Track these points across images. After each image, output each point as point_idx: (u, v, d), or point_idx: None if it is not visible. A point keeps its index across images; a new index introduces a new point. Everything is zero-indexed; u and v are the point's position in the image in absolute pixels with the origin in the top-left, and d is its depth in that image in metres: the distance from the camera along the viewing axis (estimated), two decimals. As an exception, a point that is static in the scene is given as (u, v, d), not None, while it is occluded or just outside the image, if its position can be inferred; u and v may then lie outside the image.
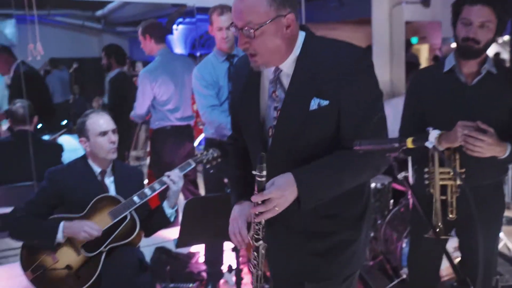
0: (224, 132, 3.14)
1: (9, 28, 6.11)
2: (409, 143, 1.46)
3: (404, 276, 3.25)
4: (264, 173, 1.49)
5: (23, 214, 2.54)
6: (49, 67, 6.98)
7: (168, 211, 2.65)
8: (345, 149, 1.60)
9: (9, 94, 4.70)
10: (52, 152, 3.75)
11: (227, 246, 3.43)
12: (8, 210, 3.35)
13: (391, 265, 3.47)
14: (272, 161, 1.65)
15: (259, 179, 1.49)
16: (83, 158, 2.70)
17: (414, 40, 7.99)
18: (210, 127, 3.24)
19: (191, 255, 3.66)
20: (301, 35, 1.64)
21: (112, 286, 2.40)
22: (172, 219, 2.68)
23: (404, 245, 3.26)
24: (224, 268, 3.47)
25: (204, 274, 3.51)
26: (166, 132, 3.97)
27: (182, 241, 2.60)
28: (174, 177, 2.61)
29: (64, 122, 4.99)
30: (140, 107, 3.94)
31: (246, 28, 1.54)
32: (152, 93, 3.87)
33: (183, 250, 3.58)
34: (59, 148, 3.83)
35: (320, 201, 1.57)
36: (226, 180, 3.33)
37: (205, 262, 3.49)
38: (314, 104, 1.57)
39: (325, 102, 1.56)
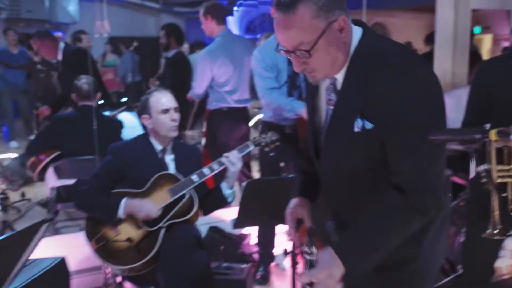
0: (283, 113, 3.11)
1: (73, 5, 6.29)
2: (493, 135, 1.38)
3: (461, 271, 3.15)
4: (314, 250, 1.41)
5: (88, 187, 2.61)
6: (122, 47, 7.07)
7: (226, 191, 2.67)
8: (392, 193, 1.40)
9: (61, 75, 4.80)
10: (113, 128, 3.86)
11: (280, 229, 3.43)
12: (71, 181, 3.49)
13: (447, 260, 3.37)
14: (323, 173, 1.59)
15: (307, 257, 1.42)
16: (145, 135, 2.74)
17: (476, 29, 7.67)
18: (269, 109, 3.22)
19: (243, 236, 3.68)
20: (357, 32, 1.44)
21: (170, 260, 2.44)
22: (230, 200, 2.70)
23: (462, 240, 3.16)
24: (276, 250, 3.49)
25: (255, 256, 3.53)
26: (222, 113, 3.99)
27: (240, 222, 2.62)
28: (233, 158, 2.62)
29: (124, 99, 5.10)
30: (198, 87, 3.98)
31: (298, 51, 1.36)
32: (211, 74, 3.89)
33: (236, 231, 3.60)
34: (120, 124, 3.92)
35: (369, 267, 1.44)
36: (282, 164, 3.32)
37: (258, 244, 3.50)
38: (358, 126, 1.39)
39: (369, 126, 1.37)
